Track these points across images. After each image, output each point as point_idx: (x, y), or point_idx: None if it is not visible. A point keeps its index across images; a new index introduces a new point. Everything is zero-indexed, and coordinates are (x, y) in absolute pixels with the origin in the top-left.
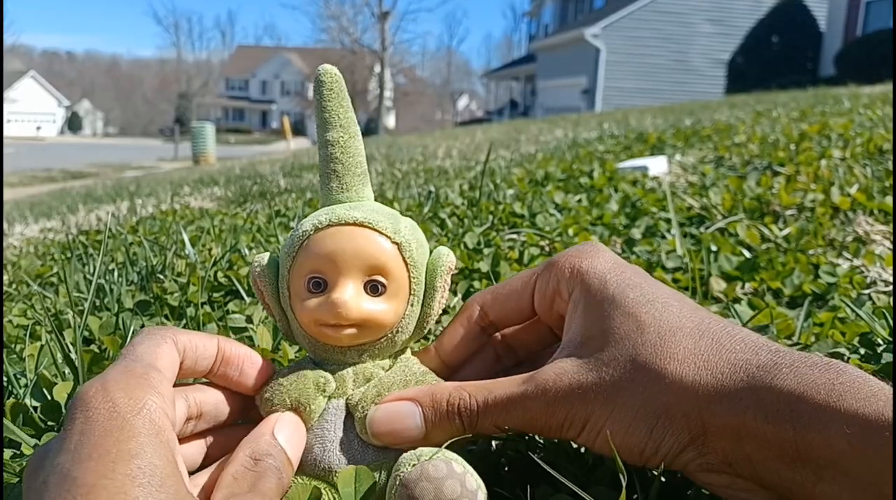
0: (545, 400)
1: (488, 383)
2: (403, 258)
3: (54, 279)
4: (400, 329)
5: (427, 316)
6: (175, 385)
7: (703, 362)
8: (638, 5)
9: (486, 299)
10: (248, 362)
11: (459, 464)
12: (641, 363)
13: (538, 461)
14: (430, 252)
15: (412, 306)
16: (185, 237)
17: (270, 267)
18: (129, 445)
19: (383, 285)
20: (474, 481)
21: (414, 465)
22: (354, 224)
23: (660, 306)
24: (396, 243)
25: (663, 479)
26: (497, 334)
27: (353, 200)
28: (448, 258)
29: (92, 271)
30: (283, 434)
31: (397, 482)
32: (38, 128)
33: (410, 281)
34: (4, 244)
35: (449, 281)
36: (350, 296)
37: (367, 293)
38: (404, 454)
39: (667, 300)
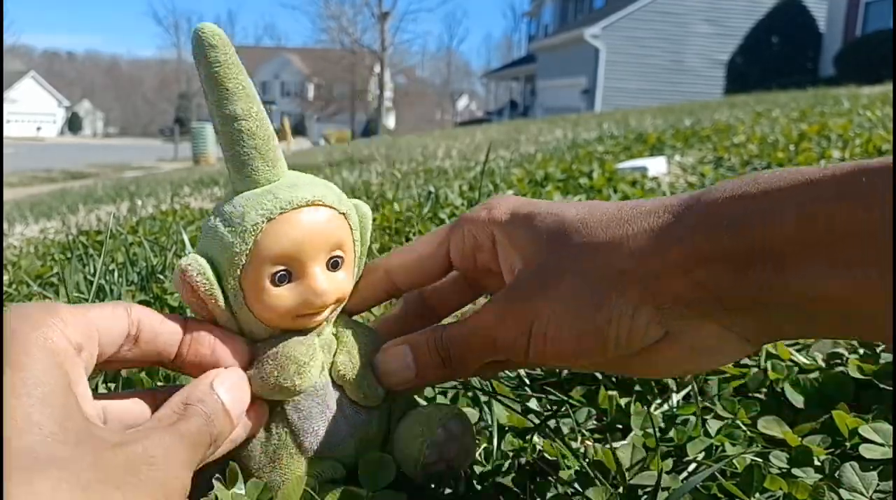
0: (491, 311)
1: (462, 319)
2: (349, 226)
3: (54, 279)
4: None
5: (357, 273)
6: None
7: (627, 218)
8: (637, 6)
9: (391, 264)
10: (220, 344)
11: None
12: (573, 244)
13: (538, 460)
14: None
15: (357, 268)
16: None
17: (208, 269)
18: (17, 358)
19: (342, 259)
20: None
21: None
22: (307, 205)
23: (573, 204)
24: (343, 213)
25: (664, 477)
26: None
27: (280, 177)
28: (369, 211)
29: (92, 271)
30: (223, 386)
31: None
32: (39, 128)
33: (354, 246)
34: (4, 244)
35: None
36: (325, 281)
37: (329, 270)
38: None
39: (577, 202)
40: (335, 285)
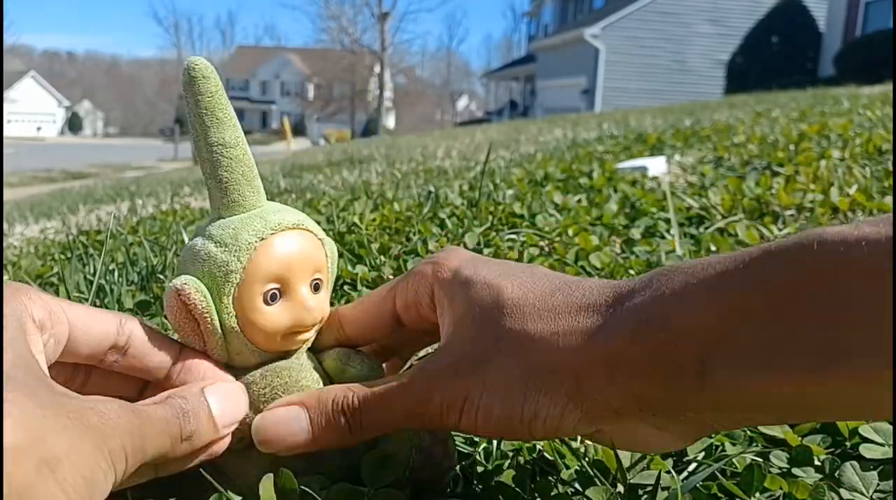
0: (420, 385)
1: (370, 382)
2: (326, 253)
3: (54, 279)
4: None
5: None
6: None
7: (560, 309)
8: (638, 6)
9: (343, 315)
10: (209, 377)
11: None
12: (506, 329)
13: (538, 460)
14: None
15: (330, 295)
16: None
17: (203, 287)
18: None
19: (321, 282)
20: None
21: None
22: (293, 228)
23: (512, 275)
24: (320, 240)
25: (664, 478)
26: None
27: (264, 204)
28: (335, 246)
29: (92, 271)
30: (214, 395)
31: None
32: (39, 128)
33: (328, 273)
34: (4, 244)
35: None
36: (313, 299)
37: (312, 292)
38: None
39: (518, 269)
40: (320, 305)
